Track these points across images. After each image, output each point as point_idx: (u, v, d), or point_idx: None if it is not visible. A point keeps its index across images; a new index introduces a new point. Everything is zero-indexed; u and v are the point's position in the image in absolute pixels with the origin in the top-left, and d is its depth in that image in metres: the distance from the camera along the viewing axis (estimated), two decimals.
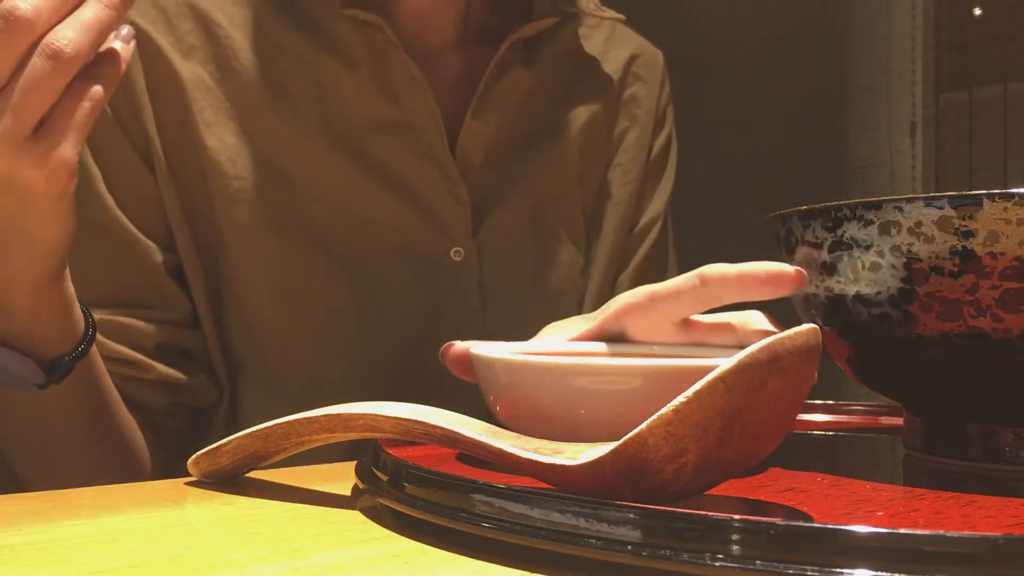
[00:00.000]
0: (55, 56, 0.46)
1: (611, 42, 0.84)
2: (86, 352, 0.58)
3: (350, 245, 0.70)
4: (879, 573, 0.26)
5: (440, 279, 0.72)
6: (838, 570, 0.26)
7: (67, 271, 0.56)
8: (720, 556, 0.27)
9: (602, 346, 0.52)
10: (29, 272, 0.53)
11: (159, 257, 0.68)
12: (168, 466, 0.70)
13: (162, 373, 0.68)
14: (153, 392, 0.69)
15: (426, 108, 0.71)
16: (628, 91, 0.84)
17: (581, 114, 0.80)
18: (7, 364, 0.54)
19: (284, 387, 0.70)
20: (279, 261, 0.69)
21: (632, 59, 0.84)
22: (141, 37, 0.66)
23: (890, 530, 0.27)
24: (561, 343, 0.52)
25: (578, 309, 0.78)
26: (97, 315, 0.62)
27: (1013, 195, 0.38)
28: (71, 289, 0.57)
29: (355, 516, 0.38)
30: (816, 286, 0.46)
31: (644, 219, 0.83)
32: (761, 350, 0.30)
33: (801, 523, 0.28)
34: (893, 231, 0.41)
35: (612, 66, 0.83)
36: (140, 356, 0.67)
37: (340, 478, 0.46)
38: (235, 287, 0.70)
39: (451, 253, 0.72)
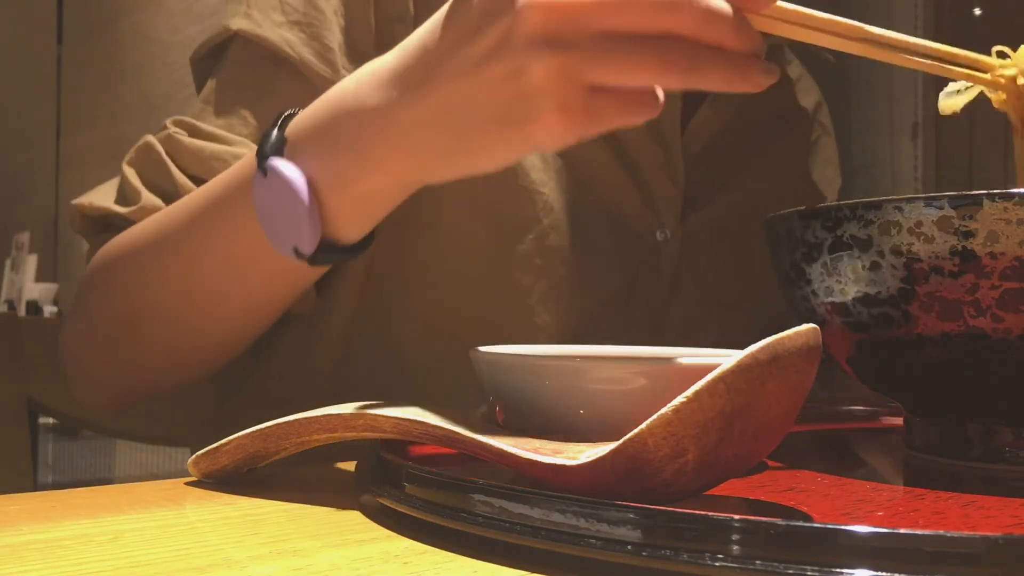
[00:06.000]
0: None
1: (803, 81, 0.85)
2: (351, 256, 0.53)
3: (563, 191, 0.68)
4: (879, 573, 0.26)
5: (641, 254, 0.71)
6: (838, 570, 0.26)
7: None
8: (720, 556, 0.27)
9: (603, 347, 0.52)
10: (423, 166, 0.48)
11: None
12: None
13: None
14: None
15: None
16: (815, 135, 0.85)
17: (791, 139, 0.82)
18: (299, 219, 0.49)
19: (450, 329, 0.67)
20: (484, 190, 0.66)
21: (818, 106, 0.86)
22: None
23: (890, 530, 0.27)
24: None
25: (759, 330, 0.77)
26: None
27: (1013, 195, 0.38)
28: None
29: (355, 516, 0.38)
30: (816, 286, 0.46)
31: None
32: (761, 350, 0.30)
33: (801, 523, 0.28)
34: (893, 231, 0.41)
35: (807, 103, 0.85)
36: None
37: (340, 478, 0.46)
38: (429, 208, 0.66)
39: (656, 233, 0.71)
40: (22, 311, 3.36)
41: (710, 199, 0.75)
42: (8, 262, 3.75)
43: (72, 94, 3.67)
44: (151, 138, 0.64)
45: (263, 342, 0.72)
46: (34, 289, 3.48)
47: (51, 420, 2.00)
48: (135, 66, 3.28)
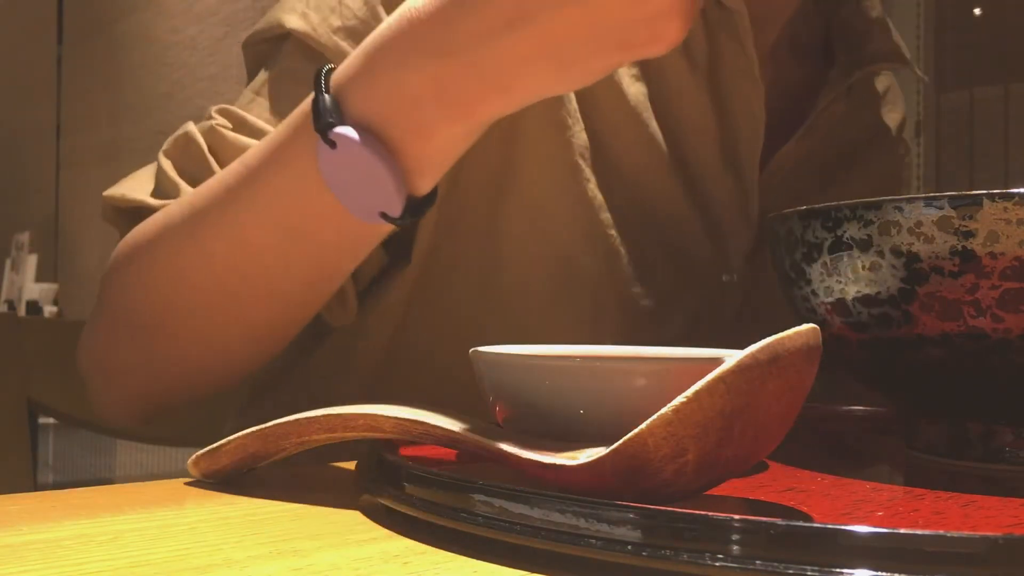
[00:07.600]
0: None
1: (890, 94, 0.81)
2: (426, 208, 0.50)
3: (630, 232, 0.65)
4: (879, 573, 0.26)
5: (704, 297, 0.67)
6: (838, 570, 0.26)
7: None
8: (720, 556, 0.27)
9: (603, 347, 0.52)
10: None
11: None
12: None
13: None
14: None
15: (751, 114, 0.66)
16: (905, 158, 0.81)
17: (874, 161, 0.78)
18: (384, 180, 0.46)
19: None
20: (550, 231, 0.64)
21: (902, 123, 0.82)
22: None
23: (890, 530, 0.27)
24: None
25: None
26: None
27: (1013, 195, 0.38)
28: None
29: (355, 516, 0.38)
30: (816, 286, 0.46)
31: None
32: (761, 350, 0.30)
33: (801, 523, 0.28)
34: (893, 231, 0.41)
35: (891, 120, 0.81)
36: None
37: (340, 478, 0.46)
38: (487, 237, 0.64)
39: (722, 275, 0.67)
40: (22, 311, 3.36)
41: None
42: (8, 262, 3.75)
43: (72, 94, 3.67)
44: (192, 129, 0.60)
45: (303, 346, 0.71)
46: (34, 289, 3.48)
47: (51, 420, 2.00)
48: (135, 66, 3.29)
